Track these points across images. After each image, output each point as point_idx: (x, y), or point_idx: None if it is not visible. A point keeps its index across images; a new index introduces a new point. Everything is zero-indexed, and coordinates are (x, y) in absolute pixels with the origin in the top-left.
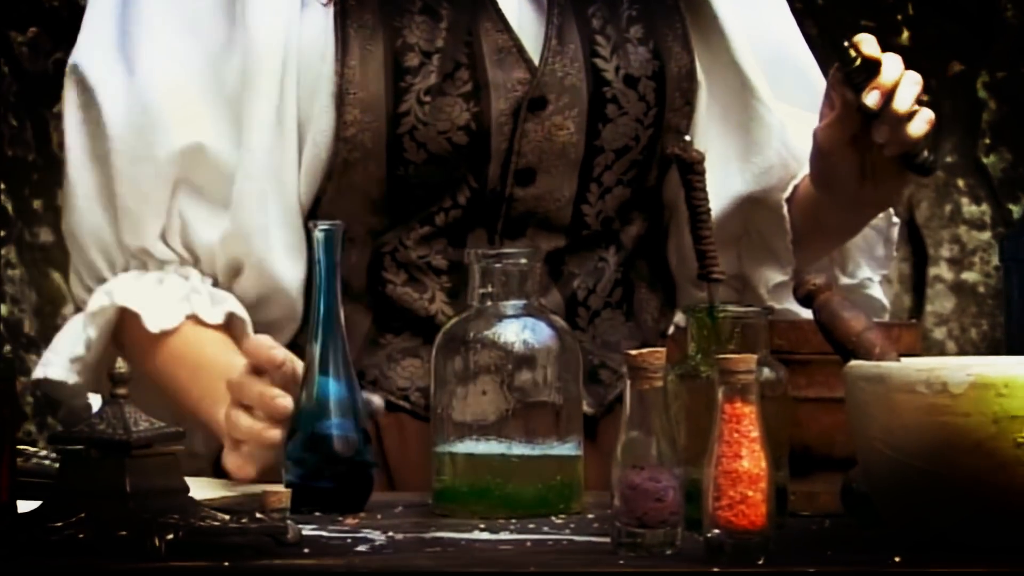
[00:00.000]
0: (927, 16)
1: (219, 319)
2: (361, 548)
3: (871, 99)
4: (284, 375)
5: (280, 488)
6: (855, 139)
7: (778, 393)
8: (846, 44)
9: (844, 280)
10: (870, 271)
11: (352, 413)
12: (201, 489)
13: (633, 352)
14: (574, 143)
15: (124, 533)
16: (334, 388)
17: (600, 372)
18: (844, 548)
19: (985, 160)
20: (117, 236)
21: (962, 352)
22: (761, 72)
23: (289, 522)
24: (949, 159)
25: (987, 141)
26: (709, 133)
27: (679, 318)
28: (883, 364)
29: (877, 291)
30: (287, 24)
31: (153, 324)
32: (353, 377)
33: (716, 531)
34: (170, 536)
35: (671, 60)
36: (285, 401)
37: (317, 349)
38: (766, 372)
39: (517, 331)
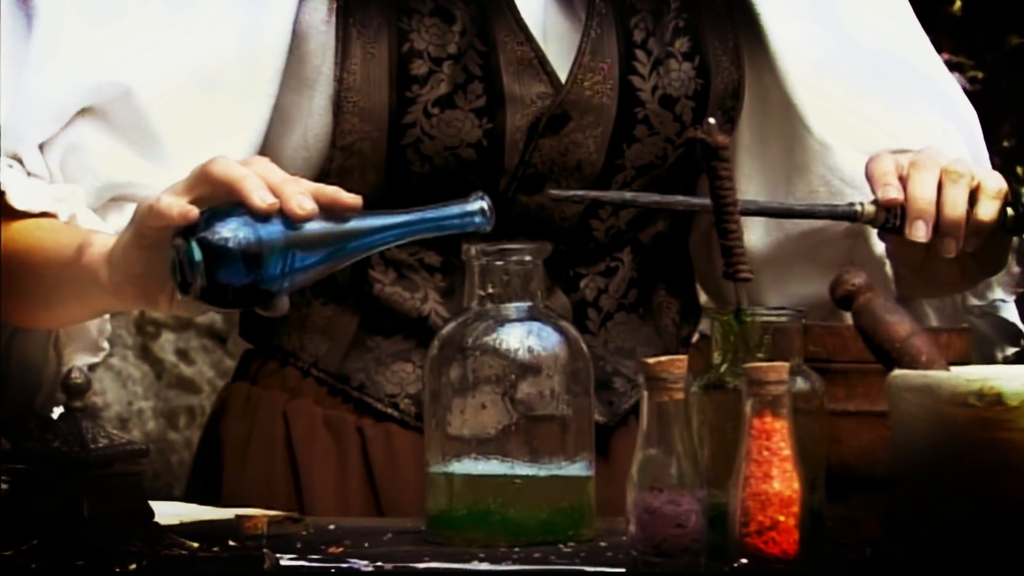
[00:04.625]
0: None
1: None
2: None
3: (918, 233)
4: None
5: (256, 512)
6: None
7: (813, 406)
8: (859, 208)
9: (973, 301)
10: (1003, 292)
11: (287, 256)
12: (168, 513)
13: (651, 360)
14: (592, 161)
15: (81, 563)
16: (317, 232)
17: (613, 380)
18: None
19: None
20: None
21: (1020, 360)
22: (822, 88)
23: (265, 551)
24: (1005, 143)
25: None
26: (751, 153)
27: (705, 325)
28: (930, 373)
29: (1011, 313)
30: (292, 8)
31: (19, 201)
32: (327, 261)
33: (743, 560)
34: (133, 566)
35: (717, 76)
36: (311, 203)
37: (363, 220)
38: (800, 382)
39: (521, 337)
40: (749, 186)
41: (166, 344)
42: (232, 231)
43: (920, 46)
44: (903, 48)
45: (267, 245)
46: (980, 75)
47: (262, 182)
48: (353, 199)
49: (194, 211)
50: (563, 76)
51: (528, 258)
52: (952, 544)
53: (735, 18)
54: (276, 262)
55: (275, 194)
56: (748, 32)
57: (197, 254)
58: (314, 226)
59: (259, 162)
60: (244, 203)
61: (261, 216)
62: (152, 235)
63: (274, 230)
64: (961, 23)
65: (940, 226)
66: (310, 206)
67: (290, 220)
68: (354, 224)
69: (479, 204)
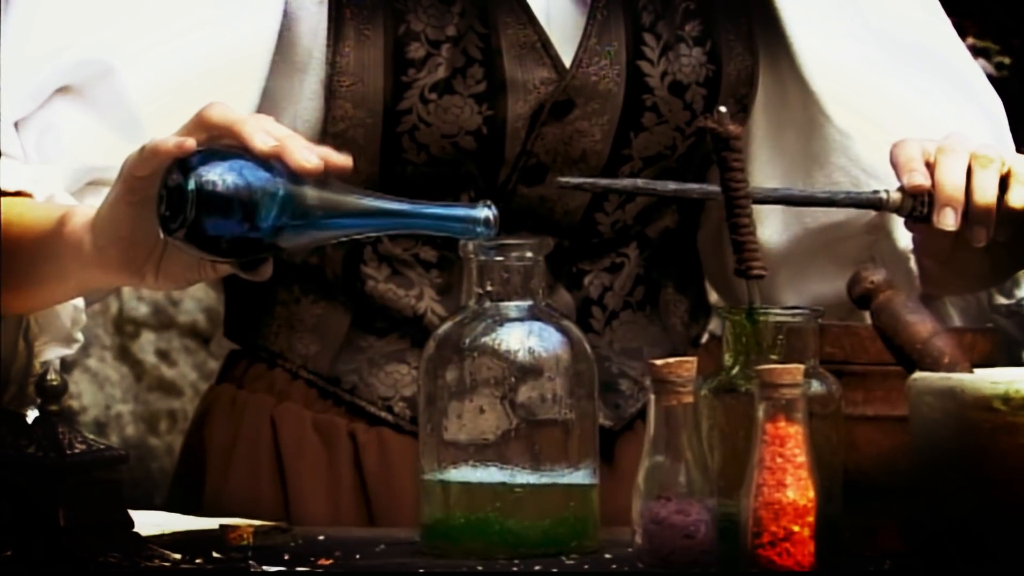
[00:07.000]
0: None
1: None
2: None
3: (947, 221)
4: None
5: (241, 522)
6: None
7: (829, 410)
8: (884, 195)
9: (1000, 299)
10: None
11: (282, 210)
12: (148, 523)
13: (658, 362)
14: (597, 151)
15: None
16: (314, 195)
17: (619, 382)
18: None
19: None
20: None
21: None
22: (842, 75)
23: (251, 563)
24: None
25: None
26: (766, 143)
27: (715, 324)
28: (953, 376)
29: None
30: None
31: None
32: (320, 224)
33: (756, 573)
34: None
35: (730, 62)
36: (316, 159)
37: (362, 198)
38: (815, 385)
39: (521, 337)
40: (765, 178)
41: (146, 344)
42: (227, 171)
43: (942, 31)
44: (924, 34)
45: (264, 193)
46: (1007, 61)
47: (263, 127)
48: (343, 160)
49: (191, 142)
50: (567, 60)
51: (529, 254)
52: (975, 556)
53: (749, 1)
54: (269, 213)
55: (284, 139)
56: (762, 16)
57: (191, 184)
58: (311, 189)
59: (261, 116)
60: (244, 146)
61: (261, 161)
62: (141, 187)
63: (272, 179)
64: (986, 7)
65: (970, 214)
66: (315, 161)
67: (290, 174)
68: (352, 199)
69: (486, 213)
